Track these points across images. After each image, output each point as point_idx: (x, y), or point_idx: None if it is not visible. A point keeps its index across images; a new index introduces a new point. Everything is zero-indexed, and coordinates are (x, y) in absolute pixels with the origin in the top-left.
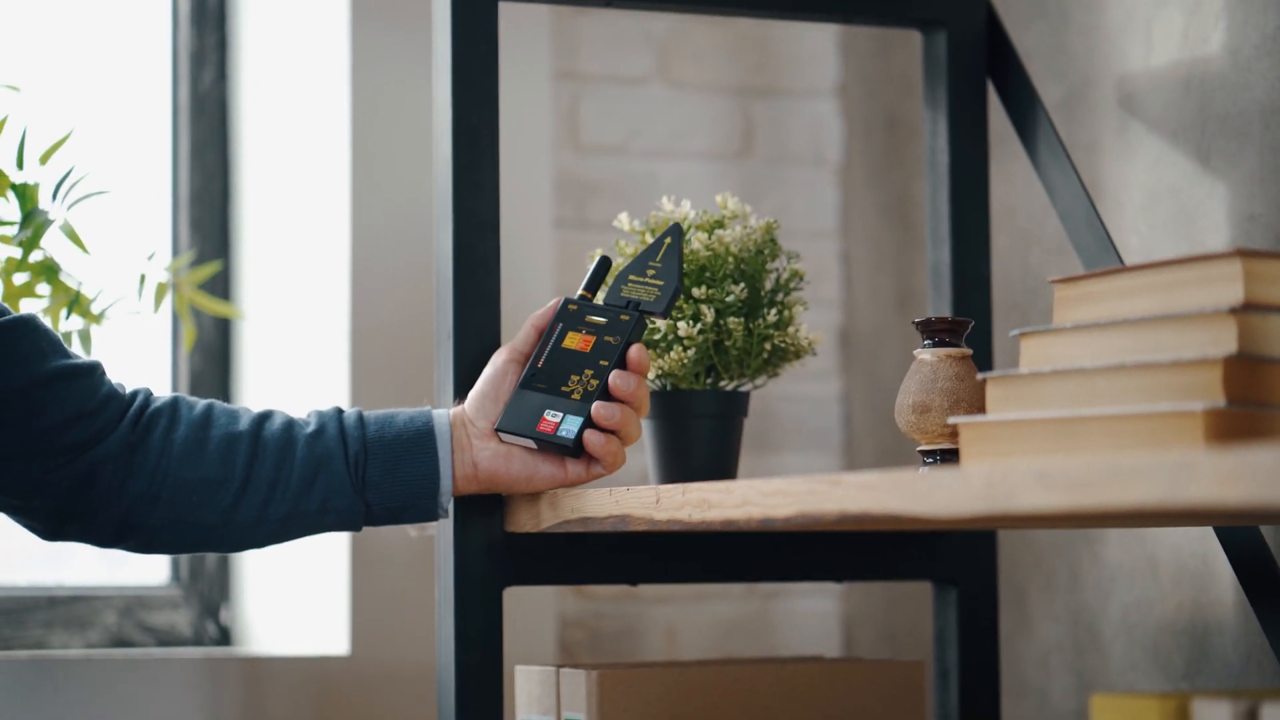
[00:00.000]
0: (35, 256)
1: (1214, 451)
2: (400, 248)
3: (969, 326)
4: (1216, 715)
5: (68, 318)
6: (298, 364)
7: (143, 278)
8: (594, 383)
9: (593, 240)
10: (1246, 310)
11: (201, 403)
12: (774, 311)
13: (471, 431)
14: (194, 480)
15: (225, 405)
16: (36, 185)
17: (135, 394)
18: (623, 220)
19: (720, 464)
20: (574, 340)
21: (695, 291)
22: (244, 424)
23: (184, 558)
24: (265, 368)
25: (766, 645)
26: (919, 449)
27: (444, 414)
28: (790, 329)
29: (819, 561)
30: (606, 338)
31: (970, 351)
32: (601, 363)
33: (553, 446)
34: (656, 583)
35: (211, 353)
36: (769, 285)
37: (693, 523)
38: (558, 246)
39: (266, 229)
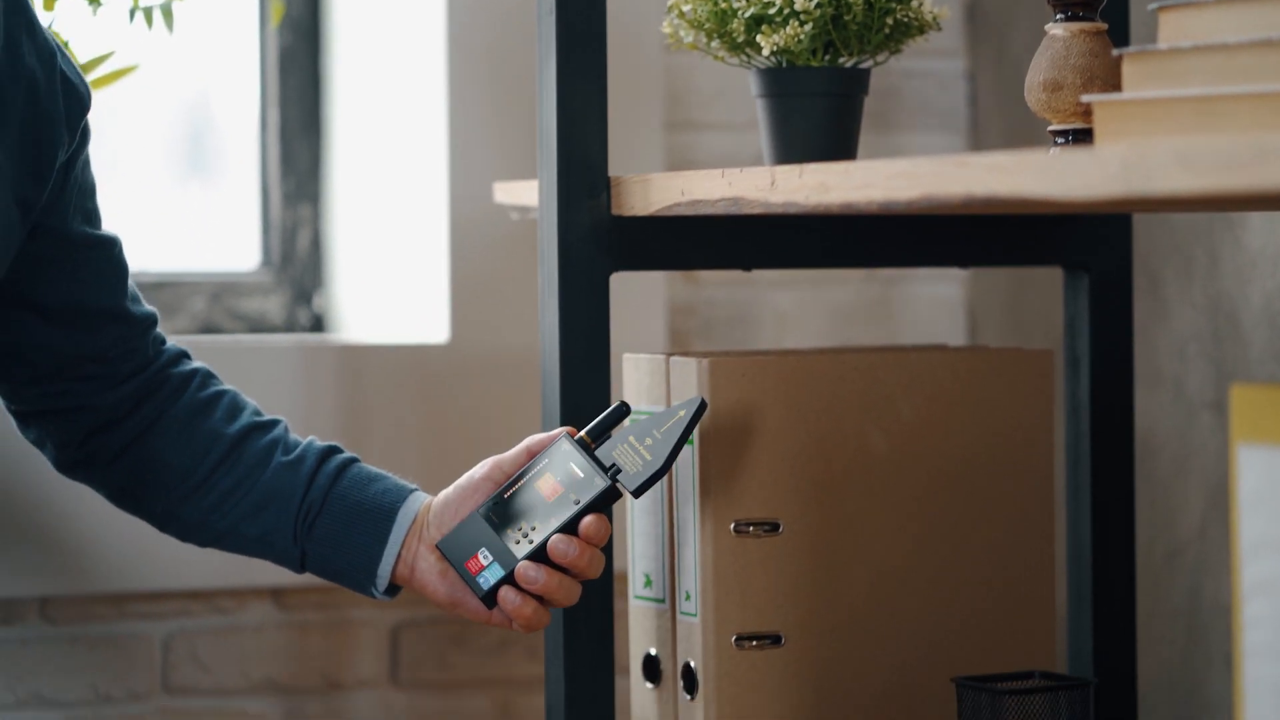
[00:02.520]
0: None
1: None
2: None
3: None
4: None
5: None
6: (392, 43)
7: None
8: (535, 538)
9: None
10: None
11: (216, 389)
12: None
13: (425, 535)
14: (157, 461)
15: (236, 400)
16: None
17: (162, 354)
18: None
19: (839, 145)
20: (546, 484)
21: None
22: (235, 427)
23: (275, 241)
24: (358, 44)
25: (886, 333)
26: (1050, 129)
27: (419, 503)
28: (913, 2)
29: (943, 246)
30: (572, 495)
31: (1105, 26)
32: (552, 520)
33: (470, 585)
34: (771, 268)
35: (301, 29)
36: None
37: (809, 205)
38: None
39: None
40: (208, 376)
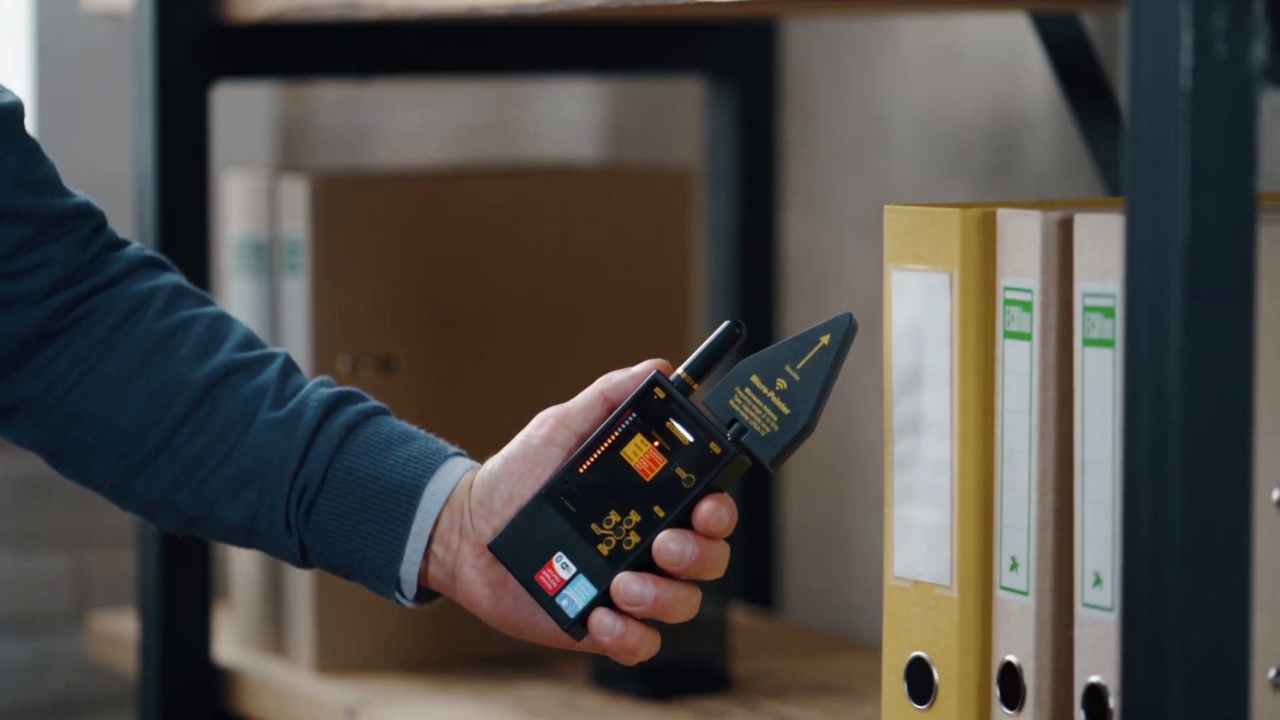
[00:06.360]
0: None
1: None
2: None
3: None
4: (1025, 228)
5: None
6: None
7: None
8: (634, 538)
9: None
10: None
11: (185, 314)
12: None
13: (467, 527)
14: (97, 419)
15: (217, 327)
16: None
17: (107, 264)
18: None
19: None
20: (638, 451)
21: None
22: (206, 368)
23: None
24: None
25: (521, 155)
26: None
27: (454, 476)
28: None
29: (577, 53)
30: (678, 469)
31: None
32: (657, 510)
33: (548, 609)
34: (390, 77)
35: None
36: None
37: (432, 10)
38: None
39: None
40: (176, 295)
